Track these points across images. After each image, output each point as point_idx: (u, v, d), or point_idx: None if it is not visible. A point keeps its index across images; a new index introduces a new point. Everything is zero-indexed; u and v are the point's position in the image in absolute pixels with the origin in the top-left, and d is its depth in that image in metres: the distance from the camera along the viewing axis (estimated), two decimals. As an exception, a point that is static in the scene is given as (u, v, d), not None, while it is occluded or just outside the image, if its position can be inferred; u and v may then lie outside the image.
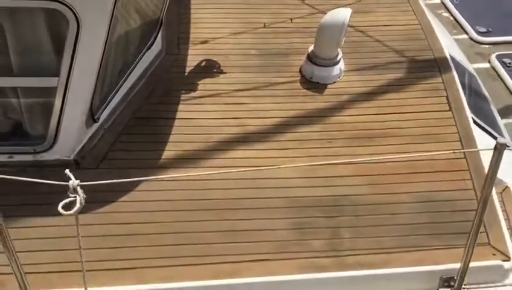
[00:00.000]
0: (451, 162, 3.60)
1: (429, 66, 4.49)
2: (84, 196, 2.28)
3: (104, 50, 3.13)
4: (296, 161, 3.67)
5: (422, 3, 5.37)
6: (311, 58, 4.31)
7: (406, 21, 5.02)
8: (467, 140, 3.82)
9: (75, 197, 2.27)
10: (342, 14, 4.05)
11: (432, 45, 4.69)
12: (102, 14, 2.97)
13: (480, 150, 3.35)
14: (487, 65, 5.77)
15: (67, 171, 2.29)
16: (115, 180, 2.46)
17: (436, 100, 4.17)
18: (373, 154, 3.72)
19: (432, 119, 4.02)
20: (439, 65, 4.48)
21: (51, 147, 3.39)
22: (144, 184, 3.37)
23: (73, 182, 2.28)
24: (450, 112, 4.05)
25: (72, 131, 3.38)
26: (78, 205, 2.26)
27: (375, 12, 5.15)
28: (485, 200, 2.65)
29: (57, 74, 3.08)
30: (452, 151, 3.46)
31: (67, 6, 2.84)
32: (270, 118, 3.99)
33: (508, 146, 4.54)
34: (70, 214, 2.24)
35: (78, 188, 2.28)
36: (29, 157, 3.41)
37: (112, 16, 3.02)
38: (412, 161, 3.60)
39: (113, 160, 3.58)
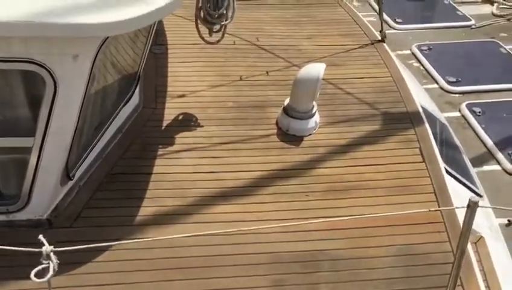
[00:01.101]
0: (426, 215, 3.65)
1: (402, 118, 4.60)
2: (58, 262, 2.24)
3: (81, 109, 3.13)
4: (274, 215, 3.68)
5: (393, 55, 5.56)
6: (287, 111, 4.38)
7: (378, 73, 5.17)
8: (441, 192, 3.89)
9: (48, 263, 2.23)
10: (316, 69, 4.15)
11: (404, 97, 4.82)
12: (80, 75, 2.99)
13: (456, 207, 3.42)
14: (457, 114, 5.94)
15: (40, 236, 2.25)
16: (87, 246, 2.42)
17: (409, 152, 4.25)
18: (349, 207, 3.76)
19: (406, 171, 4.09)
20: (411, 117, 4.60)
21: (24, 206, 3.33)
22: (119, 243, 3.32)
23: (47, 248, 2.24)
24: (424, 164, 4.13)
25: (46, 190, 3.34)
26: (51, 273, 2.21)
27: (348, 65, 5.30)
28: (459, 259, 2.69)
29: (32, 133, 3.06)
30: (428, 210, 3.51)
31: (44, 68, 2.85)
32: (247, 172, 4.01)
33: (481, 196, 4.65)
34: (43, 281, 2.19)
35: (52, 254, 2.23)
36: (1, 217, 3.34)
37: (90, 76, 3.05)
38: (389, 213, 3.64)
39: (87, 218, 3.53)
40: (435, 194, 3.88)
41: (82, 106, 3.13)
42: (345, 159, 4.19)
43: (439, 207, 3.76)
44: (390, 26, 7.70)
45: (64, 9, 2.72)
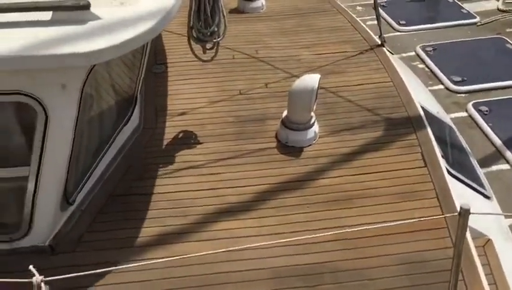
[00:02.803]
0: (429, 221, 3.59)
1: (403, 123, 4.55)
2: None
3: (74, 136, 3.18)
4: (276, 229, 3.66)
5: (392, 59, 5.51)
6: (285, 123, 4.37)
7: (378, 79, 5.13)
8: (444, 196, 3.83)
9: (41, 293, 2.26)
10: (311, 80, 4.14)
11: (404, 102, 4.77)
12: (70, 103, 3.03)
13: (454, 215, 3.35)
14: (464, 114, 5.85)
15: (31, 267, 2.28)
16: (85, 273, 2.45)
17: (411, 157, 4.20)
18: (352, 217, 3.72)
19: (408, 177, 4.04)
20: (412, 121, 4.55)
21: (26, 234, 3.38)
22: (122, 265, 3.34)
23: (37, 278, 2.27)
24: (426, 168, 4.08)
25: (46, 217, 3.39)
26: (42, 303, 2.24)
27: (348, 72, 5.27)
28: (456, 269, 2.64)
29: (27, 162, 3.12)
30: (431, 217, 3.46)
31: (34, 98, 2.90)
32: (248, 186, 4.01)
33: (489, 197, 4.55)
34: None
35: (43, 285, 2.26)
36: (5, 246, 3.40)
37: (80, 103, 3.09)
38: (391, 221, 3.59)
39: (90, 242, 3.56)
40: (438, 200, 3.82)
41: (75, 133, 3.18)
42: (346, 168, 4.16)
43: (442, 212, 3.70)
44: (394, 29, 7.66)
45: (49, 40, 2.77)
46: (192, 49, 4.27)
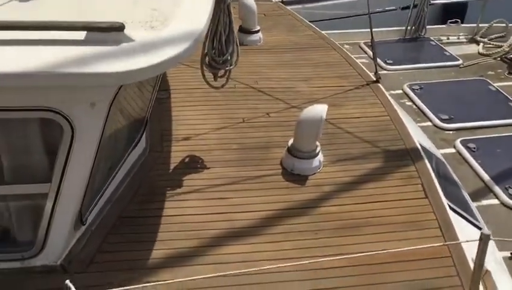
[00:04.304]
0: (434, 250, 3.72)
1: (402, 155, 4.73)
2: None
3: (96, 155, 3.20)
4: (285, 254, 3.72)
5: (387, 94, 5.74)
6: (291, 152, 4.48)
7: (375, 113, 5.34)
8: (446, 226, 3.98)
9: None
10: (319, 110, 4.29)
11: (402, 135, 4.96)
12: (96, 122, 3.07)
13: (465, 241, 3.50)
14: (453, 150, 6.07)
15: (67, 281, 2.28)
16: None
17: (412, 188, 4.36)
18: (359, 244, 3.82)
19: (410, 207, 4.18)
20: (410, 154, 4.73)
21: (39, 253, 3.34)
22: (134, 286, 3.33)
23: (74, 293, 2.27)
24: (427, 199, 4.23)
25: (61, 236, 3.36)
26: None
27: (346, 105, 5.46)
28: None
29: (48, 179, 3.12)
30: (442, 244, 3.59)
31: (63, 116, 2.94)
32: (255, 212, 4.07)
33: (482, 228, 4.72)
34: None
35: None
36: (16, 264, 3.35)
37: (106, 122, 3.13)
38: (398, 248, 3.71)
39: (101, 263, 3.54)
40: (440, 229, 3.96)
41: (97, 152, 3.21)
42: (351, 196, 4.27)
43: (445, 241, 3.83)
44: (381, 67, 7.93)
45: (82, 58, 2.82)
46: (204, 76, 4.37)
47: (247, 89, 5.65)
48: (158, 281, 3.31)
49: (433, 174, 4.47)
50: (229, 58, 4.24)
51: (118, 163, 3.96)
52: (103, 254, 3.60)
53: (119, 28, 2.84)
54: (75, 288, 2.61)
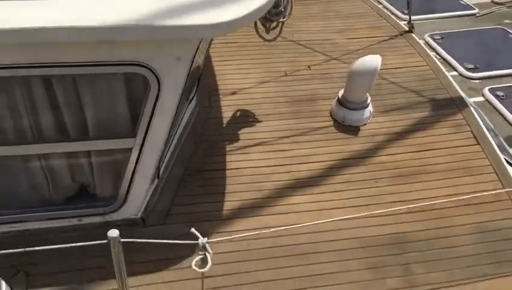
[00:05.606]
0: (492, 195, 3.85)
1: (447, 104, 4.81)
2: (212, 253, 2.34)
3: (177, 108, 3.21)
4: (349, 203, 3.83)
5: (423, 44, 5.77)
6: (343, 103, 4.53)
7: (414, 63, 5.37)
8: (501, 170, 4.11)
9: (204, 254, 2.33)
10: (374, 61, 4.31)
11: (444, 84, 5.03)
12: (180, 76, 3.06)
13: None
14: (481, 98, 6.19)
15: (193, 229, 2.34)
16: (239, 235, 2.51)
17: (462, 135, 4.46)
18: (419, 191, 3.94)
19: (463, 154, 4.29)
20: (456, 103, 4.81)
21: (120, 207, 3.39)
22: (212, 238, 3.41)
23: (202, 240, 2.33)
24: (479, 146, 4.34)
25: (141, 190, 3.41)
26: (210, 263, 2.31)
27: (384, 56, 5.46)
28: None
29: (133, 134, 3.12)
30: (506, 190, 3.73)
31: (150, 70, 2.92)
32: (315, 163, 4.14)
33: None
34: (204, 272, 2.29)
35: (207, 245, 2.33)
36: (98, 219, 3.39)
37: (188, 76, 3.13)
38: (458, 194, 3.84)
39: (177, 215, 3.61)
40: (496, 174, 4.09)
41: (179, 105, 3.21)
42: (403, 145, 4.36)
43: (502, 186, 3.97)
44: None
45: (169, 11, 2.77)
46: (257, 29, 4.33)
47: (283, 42, 5.61)
48: (239, 231, 3.38)
49: (481, 122, 4.57)
50: (282, 10, 4.18)
51: (179, 118, 3.97)
52: (177, 207, 3.66)
53: None
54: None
